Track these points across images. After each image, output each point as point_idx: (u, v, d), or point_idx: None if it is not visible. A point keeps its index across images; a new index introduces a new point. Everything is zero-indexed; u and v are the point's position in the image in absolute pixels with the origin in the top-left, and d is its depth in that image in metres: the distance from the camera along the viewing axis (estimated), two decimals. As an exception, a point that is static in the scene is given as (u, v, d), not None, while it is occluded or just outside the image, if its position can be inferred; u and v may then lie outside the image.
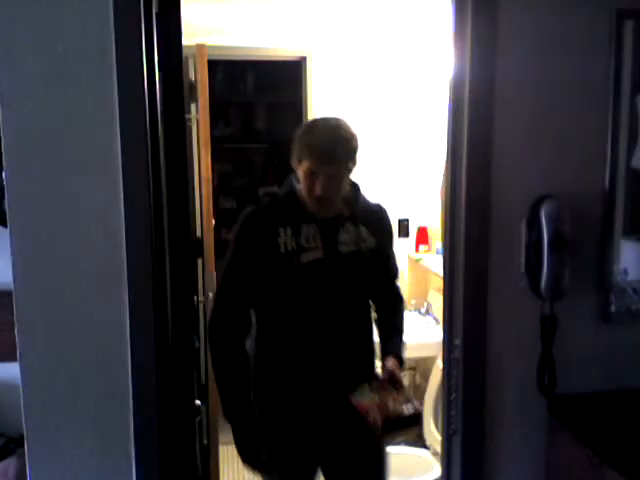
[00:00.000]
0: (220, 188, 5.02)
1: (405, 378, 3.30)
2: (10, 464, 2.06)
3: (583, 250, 1.71)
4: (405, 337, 1.99)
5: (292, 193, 1.81)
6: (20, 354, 1.53)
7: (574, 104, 1.68)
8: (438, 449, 2.75)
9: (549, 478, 1.77)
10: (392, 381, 1.81)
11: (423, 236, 3.66)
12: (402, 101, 3.62)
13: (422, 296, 3.55)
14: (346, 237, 1.79)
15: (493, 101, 1.63)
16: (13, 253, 1.50)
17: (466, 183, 1.65)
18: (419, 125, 3.61)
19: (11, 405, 1.72)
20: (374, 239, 1.84)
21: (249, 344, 1.84)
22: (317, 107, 3.60)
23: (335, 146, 1.68)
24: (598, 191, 1.72)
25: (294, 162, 1.76)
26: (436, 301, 3.32)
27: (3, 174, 1.49)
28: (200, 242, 2.79)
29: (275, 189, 1.95)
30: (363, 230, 1.82)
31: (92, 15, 1.46)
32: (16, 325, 1.51)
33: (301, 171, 1.72)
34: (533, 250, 1.66)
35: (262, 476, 1.92)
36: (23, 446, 1.57)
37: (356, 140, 1.75)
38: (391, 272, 2.03)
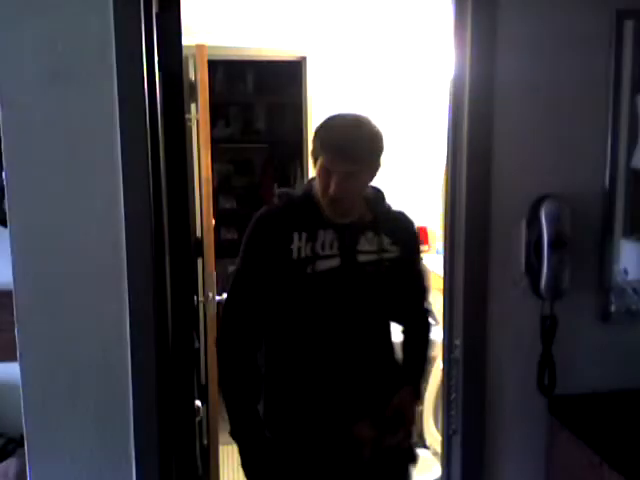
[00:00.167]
0: (220, 188, 5.02)
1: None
2: (10, 464, 2.06)
3: (583, 250, 1.71)
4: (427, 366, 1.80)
5: (310, 195, 1.66)
6: (20, 354, 1.53)
7: (574, 104, 1.68)
8: (438, 449, 2.75)
9: (549, 478, 1.77)
10: (399, 415, 1.65)
11: (423, 236, 3.66)
12: (402, 101, 3.62)
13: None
14: (366, 245, 1.64)
15: (493, 101, 1.63)
16: (13, 253, 1.50)
17: (466, 183, 1.65)
18: (419, 125, 3.61)
19: (11, 405, 1.72)
20: (397, 249, 1.67)
21: (261, 359, 1.70)
22: (317, 107, 3.60)
23: (351, 142, 1.54)
24: (598, 191, 1.72)
25: (312, 160, 1.64)
26: (436, 301, 3.32)
27: (3, 174, 1.49)
28: (200, 242, 2.78)
29: (292, 190, 1.80)
30: (385, 239, 1.66)
31: (92, 15, 1.46)
32: (16, 325, 1.51)
33: (317, 169, 1.60)
34: (533, 250, 1.66)
35: None
36: (23, 446, 1.57)
37: (377, 139, 1.59)
38: (417, 290, 1.80)
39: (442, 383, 1.83)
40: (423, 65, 3.51)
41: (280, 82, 4.70)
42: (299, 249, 1.59)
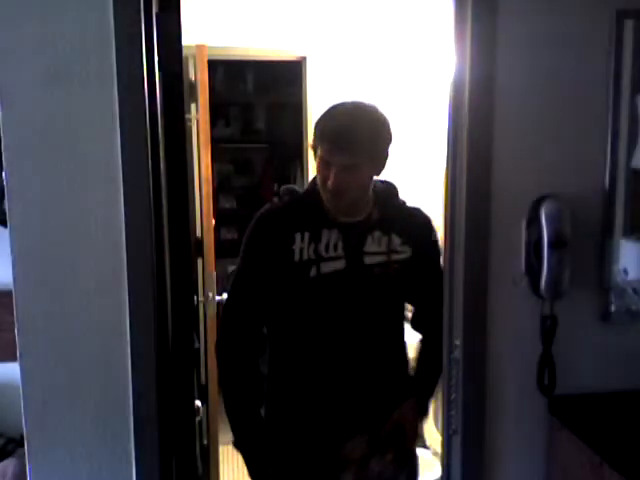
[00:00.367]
0: (220, 188, 5.03)
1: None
2: (9, 464, 2.06)
3: (583, 250, 1.70)
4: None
5: (314, 192, 1.54)
6: (20, 354, 1.53)
7: (574, 104, 1.68)
8: (438, 449, 2.75)
9: (549, 478, 1.77)
10: (399, 431, 1.54)
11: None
12: (402, 101, 3.62)
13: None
14: (373, 246, 1.53)
15: (493, 101, 1.63)
16: (13, 253, 1.50)
17: (466, 183, 1.65)
18: (419, 125, 3.61)
19: (11, 405, 1.72)
20: (409, 250, 1.56)
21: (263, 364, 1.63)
22: (317, 107, 3.60)
23: (349, 131, 1.42)
24: (598, 191, 1.72)
25: (313, 152, 1.55)
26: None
27: (3, 174, 1.49)
28: (200, 242, 2.79)
29: (296, 186, 1.70)
30: (395, 239, 1.55)
31: (92, 15, 1.46)
32: (16, 325, 1.51)
33: (317, 161, 1.50)
34: (533, 250, 1.66)
35: None
36: (23, 446, 1.57)
37: (380, 128, 1.47)
38: (436, 296, 1.65)
39: (442, 383, 1.83)
40: (423, 65, 3.51)
41: (280, 82, 4.70)
42: (301, 251, 1.49)
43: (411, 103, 3.62)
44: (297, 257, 1.50)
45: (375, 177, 1.57)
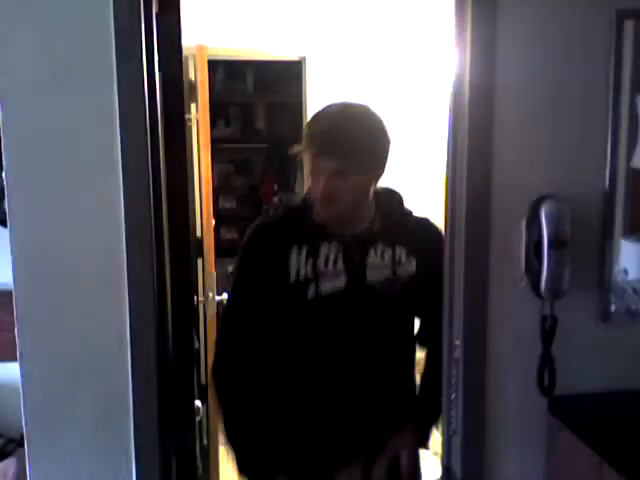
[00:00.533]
0: (220, 188, 5.03)
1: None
2: (9, 464, 2.06)
3: (583, 250, 1.70)
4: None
5: (309, 201, 1.43)
6: (20, 354, 1.53)
7: (574, 104, 1.68)
8: (438, 449, 2.74)
9: (549, 478, 1.77)
10: (395, 462, 1.42)
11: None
12: (402, 101, 3.62)
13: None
14: (377, 259, 1.41)
15: (493, 101, 1.63)
16: (13, 253, 1.50)
17: (466, 183, 1.65)
18: (419, 125, 3.61)
19: (11, 405, 1.72)
20: (416, 263, 1.44)
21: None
22: (317, 107, 3.60)
23: (338, 133, 1.31)
24: (598, 191, 1.72)
25: (305, 157, 1.46)
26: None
27: (3, 174, 1.49)
28: (200, 242, 2.79)
29: (292, 195, 1.62)
30: (401, 251, 1.43)
31: (92, 15, 1.46)
32: (16, 325, 1.51)
33: (308, 167, 1.41)
34: (533, 250, 1.66)
35: None
36: (23, 446, 1.57)
37: (373, 132, 1.36)
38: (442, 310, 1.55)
39: (442, 383, 1.83)
40: (423, 65, 3.51)
41: (280, 82, 4.70)
42: (298, 269, 1.36)
43: (411, 103, 3.62)
44: (293, 277, 1.37)
45: (375, 184, 1.44)
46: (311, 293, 1.36)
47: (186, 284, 1.76)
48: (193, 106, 2.93)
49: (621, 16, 1.65)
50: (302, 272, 1.37)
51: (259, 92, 4.97)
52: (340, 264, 1.39)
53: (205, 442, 2.67)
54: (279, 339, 1.45)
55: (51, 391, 1.55)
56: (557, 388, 1.70)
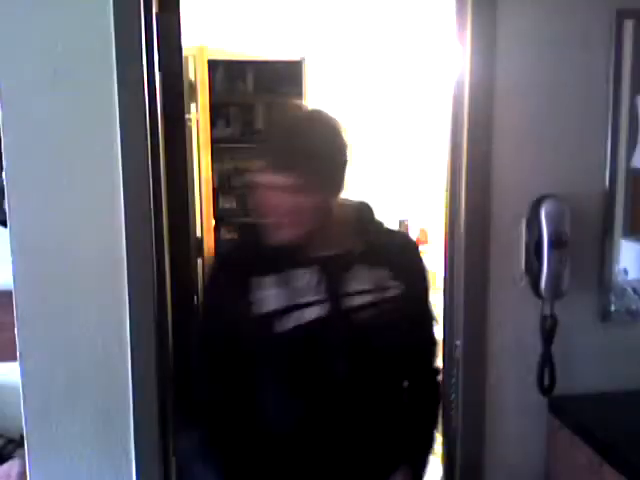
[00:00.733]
0: (220, 188, 5.02)
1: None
2: (13, 465, 2.06)
3: (583, 250, 1.70)
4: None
5: (263, 225, 1.22)
6: (20, 354, 1.53)
7: (574, 104, 1.68)
8: (438, 449, 2.74)
9: (549, 478, 1.77)
10: None
11: (423, 236, 3.67)
12: (402, 102, 3.62)
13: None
14: (356, 285, 1.21)
15: (493, 101, 1.63)
16: (13, 253, 1.50)
17: (466, 183, 1.65)
18: (419, 125, 3.61)
19: (11, 405, 1.72)
20: (401, 285, 1.25)
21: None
22: (317, 107, 3.60)
23: (283, 147, 1.16)
24: (598, 191, 1.72)
25: None
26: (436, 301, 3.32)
27: (3, 174, 1.49)
28: (200, 242, 2.79)
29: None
30: (383, 273, 1.24)
31: (92, 15, 1.46)
32: (16, 325, 1.51)
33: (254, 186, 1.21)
34: (533, 250, 1.66)
35: None
36: (23, 447, 1.57)
37: (334, 138, 1.18)
38: (425, 341, 1.36)
39: (442, 383, 1.83)
40: (423, 65, 3.51)
41: (280, 82, 4.70)
42: (263, 299, 1.19)
43: (410, 104, 3.62)
44: (258, 309, 1.19)
45: (337, 198, 1.23)
46: (281, 326, 1.17)
47: (186, 284, 1.76)
48: (193, 106, 2.93)
49: (621, 16, 1.65)
50: (269, 303, 1.19)
51: (259, 92, 4.96)
52: (314, 293, 1.20)
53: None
54: (249, 379, 1.24)
55: (51, 391, 1.55)
56: (557, 388, 1.70)
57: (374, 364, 1.24)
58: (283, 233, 1.19)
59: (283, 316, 1.18)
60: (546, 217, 1.62)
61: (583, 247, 1.70)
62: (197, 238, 2.81)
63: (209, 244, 2.79)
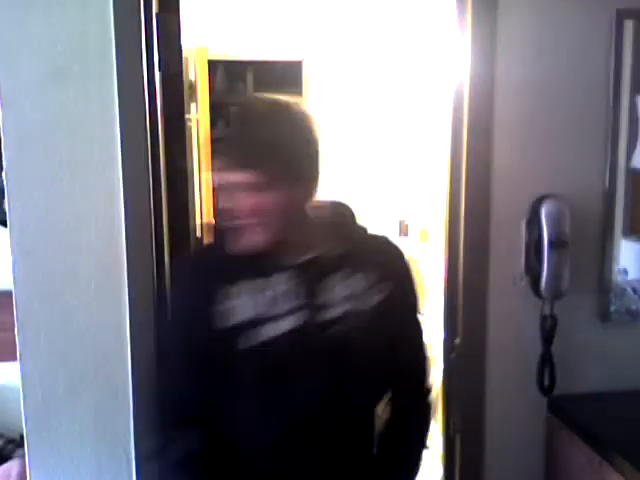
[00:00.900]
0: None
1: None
2: (13, 465, 2.06)
3: (583, 250, 1.70)
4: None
5: (222, 229, 1.12)
6: (20, 354, 1.52)
7: (574, 104, 1.68)
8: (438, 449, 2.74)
9: (549, 478, 1.77)
10: None
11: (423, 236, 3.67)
12: (402, 102, 3.62)
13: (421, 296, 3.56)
14: (333, 294, 1.10)
15: (493, 101, 1.63)
16: (13, 253, 1.50)
17: (466, 183, 1.65)
18: (419, 125, 3.61)
19: (11, 405, 1.72)
20: (382, 292, 1.14)
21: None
22: (317, 107, 3.60)
23: (243, 140, 1.05)
24: (598, 191, 1.72)
25: None
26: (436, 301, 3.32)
27: (3, 174, 1.49)
28: (200, 242, 2.78)
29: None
30: (361, 279, 1.13)
31: (92, 15, 1.46)
32: (16, 325, 1.51)
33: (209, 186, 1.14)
34: (533, 250, 1.66)
35: None
36: (22, 447, 1.57)
37: (299, 129, 1.07)
38: (412, 355, 1.26)
39: (442, 383, 1.83)
40: (422, 66, 3.51)
41: (280, 82, 4.70)
42: (230, 309, 1.08)
43: (410, 104, 3.62)
44: (222, 322, 1.08)
45: (310, 197, 1.12)
46: (245, 342, 1.07)
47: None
48: (193, 106, 2.93)
49: (621, 16, 1.65)
50: (235, 315, 1.08)
51: (259, 92, 4.97)
52: (286, 301, 1.09)
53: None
54: (217, 391, 1.15)
55: (51, 391, 1.55)
56: (557, 388, 1.70)
57: (353, 382, 1.13)
58: (250, 238, 1.06)
59: (250, 330, 1.07)
60: (546, 217, 1.62)
61: (583, 247, 1.70)
62: (197, 238, 2.81)
63: (209, 244, 2.79)
